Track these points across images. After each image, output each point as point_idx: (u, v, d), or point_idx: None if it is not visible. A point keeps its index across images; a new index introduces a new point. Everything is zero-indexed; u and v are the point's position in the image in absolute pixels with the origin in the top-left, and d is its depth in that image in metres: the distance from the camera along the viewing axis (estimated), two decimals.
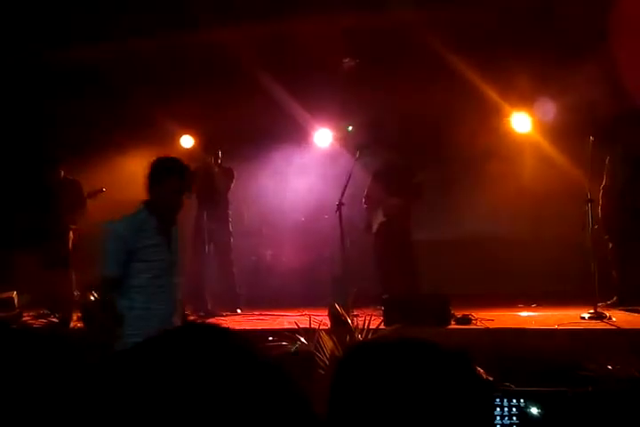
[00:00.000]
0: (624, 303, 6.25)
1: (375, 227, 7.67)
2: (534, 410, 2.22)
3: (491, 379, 4.59)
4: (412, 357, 1.15)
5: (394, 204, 7.48)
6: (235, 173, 7.77)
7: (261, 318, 7.01)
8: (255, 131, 8.44)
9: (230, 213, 7.75)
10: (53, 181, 7.95)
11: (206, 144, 7.97)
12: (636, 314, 6.05)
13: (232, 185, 7.75)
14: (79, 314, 6.67)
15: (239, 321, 6.82)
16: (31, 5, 7.33)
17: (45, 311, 6.94)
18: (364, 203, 7.83)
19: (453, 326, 5.96)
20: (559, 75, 6.83)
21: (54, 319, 6.66)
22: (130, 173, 9.19)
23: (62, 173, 7.99)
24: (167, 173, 4.10)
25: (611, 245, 6.48)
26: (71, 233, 7.88)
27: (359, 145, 7.55)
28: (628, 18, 6.30)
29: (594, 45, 6.58)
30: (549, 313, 6.43)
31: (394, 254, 7.54)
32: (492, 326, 5.80)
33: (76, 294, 7.36)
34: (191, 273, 7.58)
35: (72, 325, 6.69)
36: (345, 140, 8.35)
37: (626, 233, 6.34)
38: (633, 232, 6.31)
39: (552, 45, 7.02)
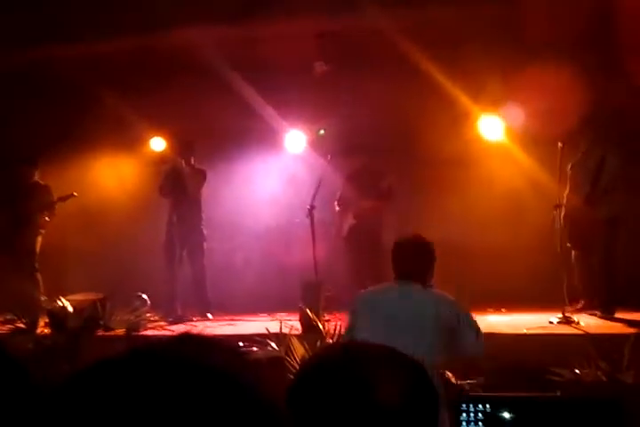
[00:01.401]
0: (590, 310, 6.32)
1: (345, 230, 7.67)
2: (502, 415, 2.22)
3: (466, 382, 4.59)
4: (358, 376, 1.13)
5: (365, 206, 7.49)
6: (207, 175, 7.71)
7: (232, 323, 6.97)
8: (226, 133, 8.40)
9: (203, 216, 7.69)
10: (25, 185, 7.85)
11: (179, 147, 7.89)
12: (603, 319, 6.12)
13: (203, 186, 7.67)
14: (46, 320, 6.59)
15: (210, 326, 6.77)
16: (1, 6, 7.24)
17: (12, 317, 6.82)
18: (337, 205, 7.83)
19: None
20: (528, 80, 6.89)
21: (21, 325, 6.57)
22: (99, 176, 9.12)
23: (35, 176, 7.90)
24: None
25: (574, 253, 6.54)
26: (39, 237, 7.78)
27: (330, 149, 7.56)
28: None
29: (563, 50, 6.66)
30: (518, 317, 6.48)
31: (365, 258, 7.55)
32: None
33: (43, 299, 7.25)
34: (162, 278, 7.53)
35: (39, 330, 6.60)
36: (316, 144, 8.34)
37: (587, 241, 6.40)
38: (593, 240, 6.37)
39: (521, 50, 7.09)
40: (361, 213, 7.54)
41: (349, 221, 7.64)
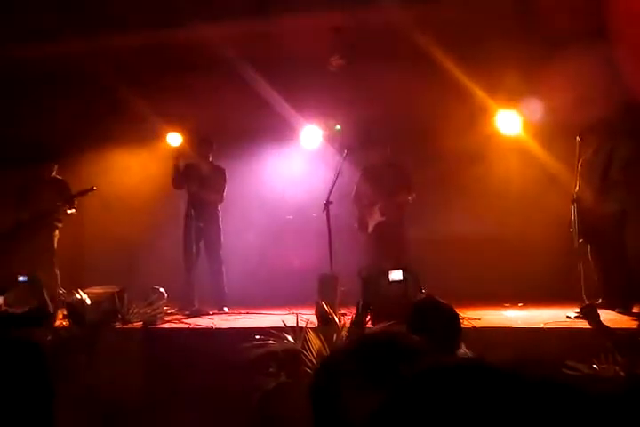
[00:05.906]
0: (609, 306, 6.26)
1: (372, 227, 7.64)
2: None
3: None
4: None
5: (395, 202, 7.46)
6: (225, 174, 7.75)
7: (248, 316, 7.00)
8: (242, 128, 8.42)
9: (220, 210, 7.72)
10: (43, 180, 7.92)
11: (197, 143, 7.93)
12: (621, 314, 6.08)
13: (225, 187, 7.71)
14: (64, 312, 6.65)
15: (226, 320, 6.81)
16: (20, 2, 7.29)
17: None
18: (353, 202, 7.82)
19: None
20: (547, 74, 6.85)
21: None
22: (118, 170, 9.18)
23: (54, 172, 7.97)
24: None
25: (590, 248, 6.49)
26: (57, 231, 7.85)
27: (347, 144, 7.55)
28: (624, 14, 6.33)
29: (582, 43, 6.60)
30: (536, 312, 6.46)
31: (389, 254, 7.52)
32: (478, 324, 5.81)
33: (61, 291, 7.32)
34: (180, 271, 7.57)
35: (57, 323, 6.66)
36: (333, 140, 8.34)
37: (598, 236, 6.35)
38: (605, 236, 6.32)
39: (539, 44, 7.04)
40: (388, 210, 7.51)
41: (376, 217, 7.60)
